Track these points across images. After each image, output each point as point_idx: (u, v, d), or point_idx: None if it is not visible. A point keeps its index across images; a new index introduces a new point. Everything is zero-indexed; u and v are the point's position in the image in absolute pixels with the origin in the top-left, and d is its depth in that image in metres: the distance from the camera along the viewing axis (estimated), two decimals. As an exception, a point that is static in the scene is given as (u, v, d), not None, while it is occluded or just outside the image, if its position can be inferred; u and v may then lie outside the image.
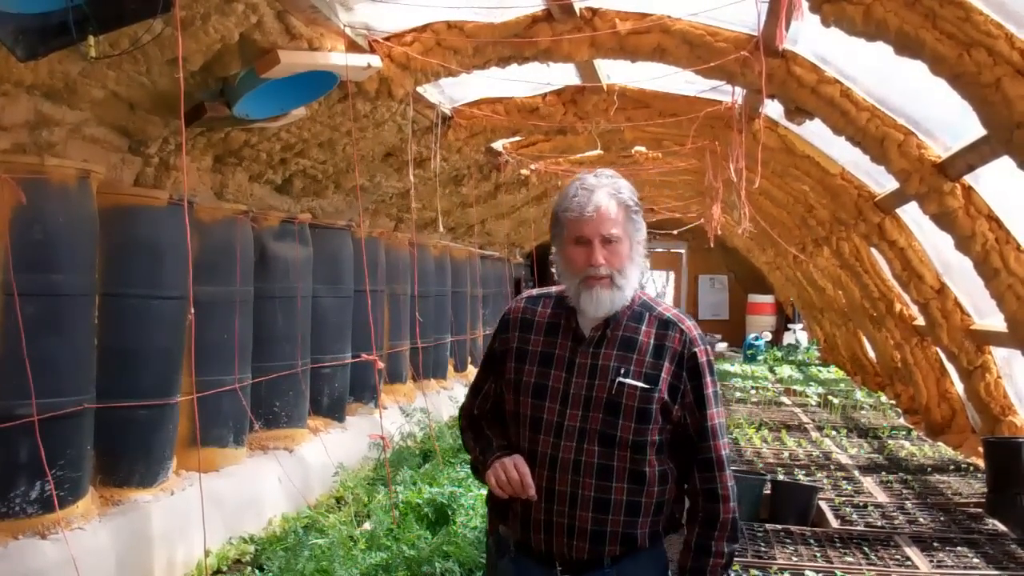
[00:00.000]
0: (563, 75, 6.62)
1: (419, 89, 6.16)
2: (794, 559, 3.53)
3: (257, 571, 5.26)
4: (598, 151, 8.56)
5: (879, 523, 4.11)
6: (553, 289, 2.91)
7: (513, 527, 2.79)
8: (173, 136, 5.25)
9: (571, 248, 2.72)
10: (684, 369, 2.74)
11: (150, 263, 5.24)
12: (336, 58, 4.99)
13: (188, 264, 4.50)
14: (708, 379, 2.78)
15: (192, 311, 3.96)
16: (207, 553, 5.26)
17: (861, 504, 4.42)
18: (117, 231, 5.12)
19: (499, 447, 2.79)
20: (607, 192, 2.72)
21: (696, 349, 2.77)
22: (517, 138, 8.60)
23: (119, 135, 5.10)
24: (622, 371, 2.70)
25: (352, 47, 5.14)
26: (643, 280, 2.87)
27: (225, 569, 5.56)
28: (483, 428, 2.92)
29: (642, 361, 2.72)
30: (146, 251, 5.25)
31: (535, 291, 2.96)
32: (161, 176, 5.50)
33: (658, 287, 27.03)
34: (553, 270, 2.88)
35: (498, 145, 8.67)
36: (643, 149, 8.93)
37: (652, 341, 2.76)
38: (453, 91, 7.03)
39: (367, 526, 5.75)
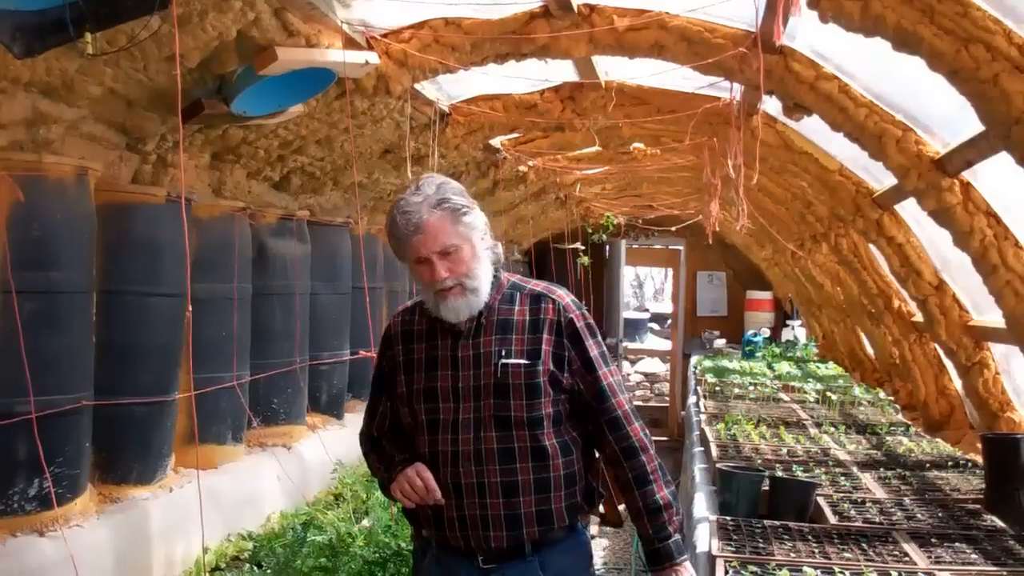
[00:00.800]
0: (561, 72, 6.62)
1: (417, 86, 6.15)
2: (792, 555, 3.53)
3: (256, 568, 5.26)
4: (596, 148, 8.55)
5: (877, 519, 4.11)
6: (423, 299, 2.96)
7: (429, 529, 2.82)
8: (171, 133, 5.24)
9: (415, 267, 2.80)
10: (564, 337, 2.80)
11: (148, 260, 5.24)
12: (334, 55, 4.99)
13: (186, 261, 4.51)
14: (590, 342, 2.84)
15: (190, 308, 3.95)
16: (206, 550, 5.27)
17: (859, 500, 4.42)
18: (115, 228, 5.12)
19: (400, 461, 2.84)
20: (428, 205, 2.74)
21: (571, 315, 2.84)
22: (515, 135, 8.59)
23: (117, 132, 5.09)
24: (503, 352, 2.76)
25: (349, 44, 5.13)
26: (501, 260, 2.93)
27: (224, 566, 5.56)
28: (384, 447, 2.96)
29: (521, 339, 2.79)
30: (144, 248, 5.25)
31: (408, 303, 3.03)
32: (159, 173, 5.50)
33: (656, 283, 27.02)
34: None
35: (496, 142, 8.66)
36: (641, 146, 8.92)
37: (527, 317, 2.84)
38: (451, 88, 7.02)
39: (365, 523, 5.75)
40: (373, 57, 5.26)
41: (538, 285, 2.92)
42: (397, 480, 2.78)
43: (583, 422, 2.86)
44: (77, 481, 4.80)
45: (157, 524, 5.26)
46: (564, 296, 2.88)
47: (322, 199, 7.86)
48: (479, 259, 2.80)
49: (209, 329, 5.85)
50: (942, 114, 4.72)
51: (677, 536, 2.79)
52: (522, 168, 9.91)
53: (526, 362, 2.74)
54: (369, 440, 3.04)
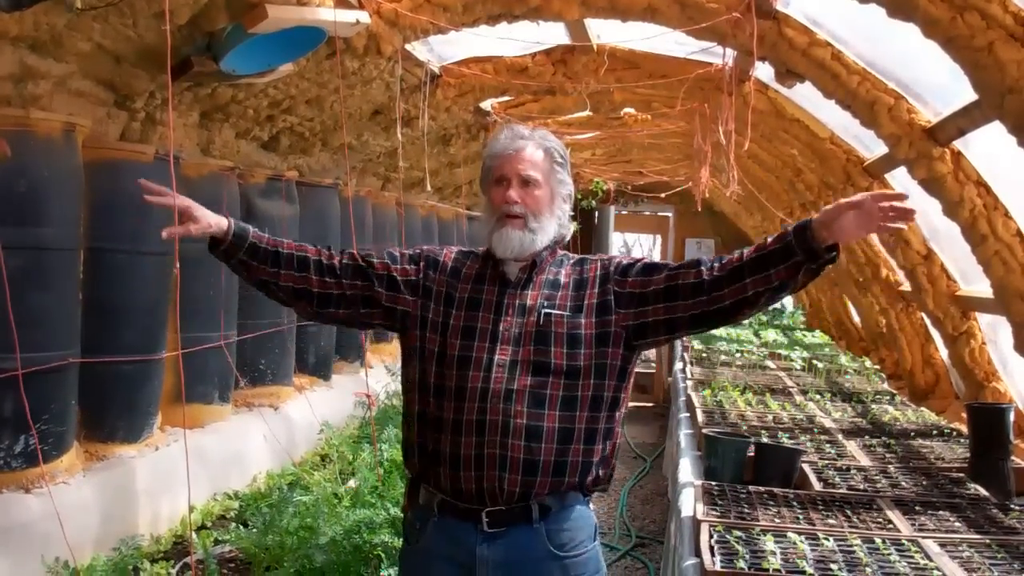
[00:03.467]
0: (553, 35, 6.58)
1: (408, 47, 6.11)
2: (777, 520, 3.54)
3: (241, 527, 5.27)
4: (587, 112, 8.52)
5: (862, 486, 4.13)
6: (480, 248, 2.95)
7: (444, 472, 2.75)
8: (159, 91, 5.20)
9: (492, 188, 2.81)
10: (610, 275, 2.81)
11: (135, 218, 5.20)
12: (324, 14, 4.94)
13: (175, 220, 4.48)
14: (645, 259, 2.86)
15: (177, 266, 3.93)
16: (192, 508, 5.28)
17: (844, 468, 4.44)
18: (102, 185, 5.10)
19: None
20: (536, 140, 2.81)
21: (616, 259, 2.87)
22: (506, 98, 8.55)
23: (105, 89, 5.05)
24: (547, 304, 2.75)
25: (340, 3, 5.08)
26: (567, 236, 2.93)
27: (209, 524, 5.58)
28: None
29: (566, 296, 2.80)
30: (132, 206, 5.21)
31: (465, 248, 3.02)
32: (147, 131, 5.46)
33: (644, 250, 27.02)
34: (480, 217, 2.94)
35: (487, 105, 8.63)
36: (632, 111, 8.90)
37: (572, 277, 2.85)
38: (442, 49, 6.98)
39: (352, 484, 5.77)
40: (364, 16, 5.21)
41: (587, 255, 2.96)
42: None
43: (669, 309, 2.77)
44: (63, 438, 4.80)
45: (143, 482, 5.27)
46: (610, 256, 2.93)
47: (311, 160, 7.82)
48: (551, 210, 2.82)
49: (196, 289, 5.83)
50: (935, 82, 4.71)
51: None
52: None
53: (568, 313, 2.75)
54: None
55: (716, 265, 2.74)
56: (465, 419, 2.70)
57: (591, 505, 2.94)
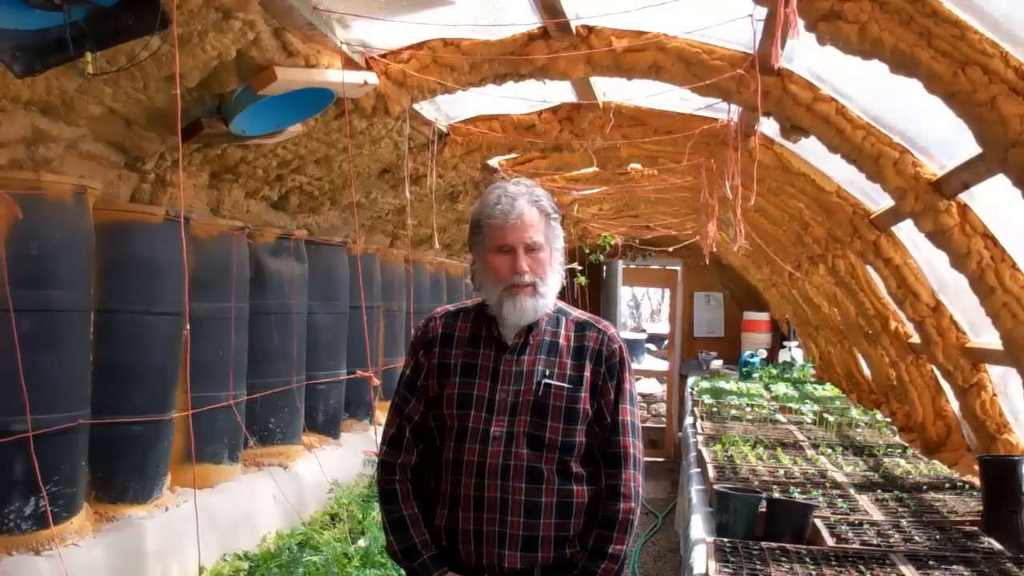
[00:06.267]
0: (559, 93, 6.64)
1: (415, 106, 6.17)
2: (790, 577, 3.52)
3: (252, 588, 5.25)
4: (593, 168, 8.57)
5: (874, 541, 4.10)
6: (468, 303, 2.93)
7: (442, 544, 2.74)
8: (170, 152, 5.25)
9: (493, 256, 2.76)
10: (603, 366, 2.78)
11: (146, 279, 5.24)
12: (333, 75, 5.00)
13: (184, 280, 4.51)
14: (626, 375, 2.86)
15: (188, 327, 3.95)
16: (201, 569, 5.25)
17: (856, 522, 4.41)
18: (113, 247, 5.13)
19: (429, 560, 2.75)
20: (527, 199, 2.78)
21: (615, 346, 2.85)
22: (513, 155, 8.61)
23: (116, 151, 5.10)
24: (547, 373, 2.73)
25: (349, 64, 5.15)
26: (561, 285, 2.91)
27: (219, 586, 5.54)
28: (404, 504, 2.83)
29: (564, 363, 2.77)
30: (142, 267, 5.25)
31: (451, 306, 2.97)
32: (157, 192, 5.50)
33: (653, 304, 27.01)
34: (469, 280, 2.90)
35: (494, 162, 8.68)
36: (639, 166, 8.94)
37: (572, 344, 2.82)
38: (449, 108, 7.04)
39: (362, 543, 5.74)
40: (372, 77, 5.28)
41: (584, 314, 2.94)
42: None
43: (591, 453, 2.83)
44: (73, 500, 4.79)
45: (153, 543, 5.24)
46: (609, 328, 2.89)
47: (320, 218, 7.87)
48: (553, 269, 2.81)
49: (206, 348, 5.84)
50: (939, 136, 4.74)
51: None
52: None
53: (569, 386, 2.73)
54: (391, 471, 2.87)
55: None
56: (463, 494, 2.69)
57: None
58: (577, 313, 2.92)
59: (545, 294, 2.77)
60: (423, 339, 2.90)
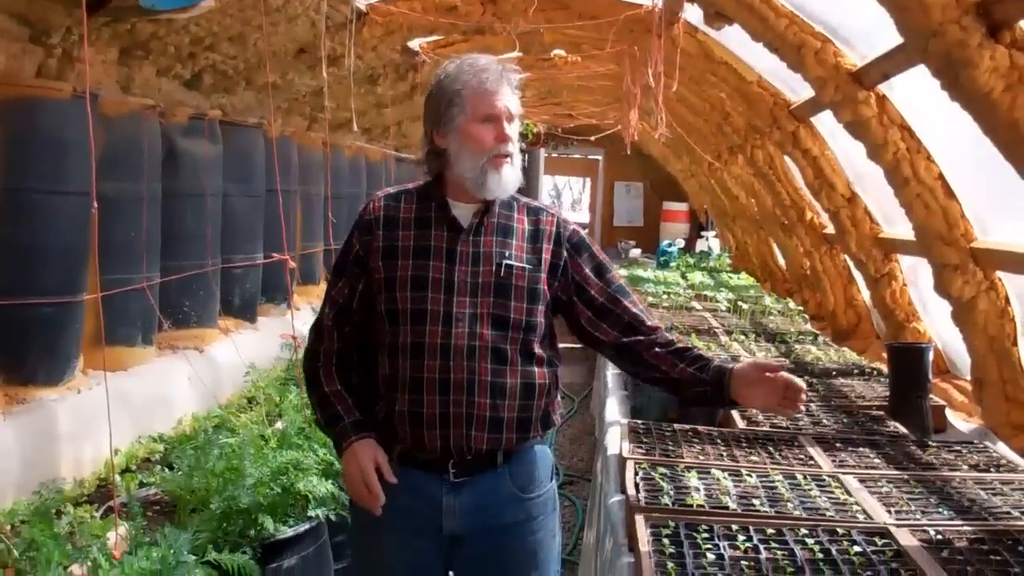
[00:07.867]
0: (482, -27, 6.50)
1: (334, -18, 6.00)
2: (701, 457, 3.59)
3: (166, 469, 5.22)
4: (517, 53, 8.45)
5: (784, 424, 4.20)
6: (409, 185, 2.88)
7: (402, 429, 2.70)
8: (76, 26, 5.04)
9: (475, 126, 2.69)
10: (564, 245, 2.80)
11: (53, 157, 5.06)
12: (247, -53, 4.82)
13: (91, 159, 4.37)
14: (596, 248, 2.88)
15: (95, 206, 3.83)
16: (115, 451, 5.21)
17: (767, 406, 4.50)
18: (18, 124, 4.94)
19: (351, 425, 2.74)
20: (503, 70, 2.74)
21: (572, 227, 2.86)
22: (435, 37, 8.44)
23: (19, 24, 4.87)
24: (506, 254, 2.70)
25: (264, -64, 4.97)
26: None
27: (134, 467, 5.51)
28: (325, 383, 2.83)
29: (521, 246, 2.76)
30: (49, 145, 5.07)
31: (391, 189, 2.89)
32: (64, 68, 5.29)
33: (574, 193, 27.05)
34: (423, 159, 2.83)
35: (415, 44, 8.51)
36: (562, 52, 8.84)
37: (526, 227, 2.80)
38: (369, -13, 6.87)
39: (279, 425, 5.73)
40: (288, -49, 5.10)
41: (533, 200, 2.92)
42: (347, 466, 2.69)
43: (589, 329, 2.87)
44: (-20, 382, 4.70)
45: (65, 425, 5.18)
46: (560, 212, 2.90)
47: (235, 99, 7.67)
48: (517, 141, 2.77)
49: (117, 229, 5.70)
50: (862, 27, 4.74)
51: None
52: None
53: (529, 267, 2.72)
54: (315, 358, 2.86)
55: (662, 343, 2.84)
56: (427, 376, 2.64)
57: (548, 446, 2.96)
58: (526, 198, 2.89)
59: (517, 166, 2.74)
60: (360, 222, 2.81)
